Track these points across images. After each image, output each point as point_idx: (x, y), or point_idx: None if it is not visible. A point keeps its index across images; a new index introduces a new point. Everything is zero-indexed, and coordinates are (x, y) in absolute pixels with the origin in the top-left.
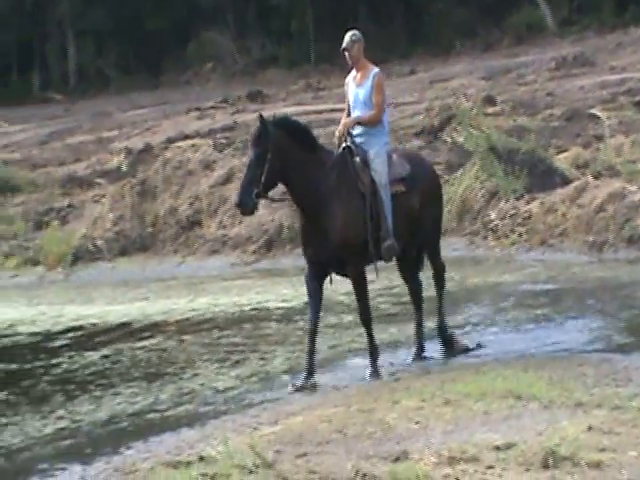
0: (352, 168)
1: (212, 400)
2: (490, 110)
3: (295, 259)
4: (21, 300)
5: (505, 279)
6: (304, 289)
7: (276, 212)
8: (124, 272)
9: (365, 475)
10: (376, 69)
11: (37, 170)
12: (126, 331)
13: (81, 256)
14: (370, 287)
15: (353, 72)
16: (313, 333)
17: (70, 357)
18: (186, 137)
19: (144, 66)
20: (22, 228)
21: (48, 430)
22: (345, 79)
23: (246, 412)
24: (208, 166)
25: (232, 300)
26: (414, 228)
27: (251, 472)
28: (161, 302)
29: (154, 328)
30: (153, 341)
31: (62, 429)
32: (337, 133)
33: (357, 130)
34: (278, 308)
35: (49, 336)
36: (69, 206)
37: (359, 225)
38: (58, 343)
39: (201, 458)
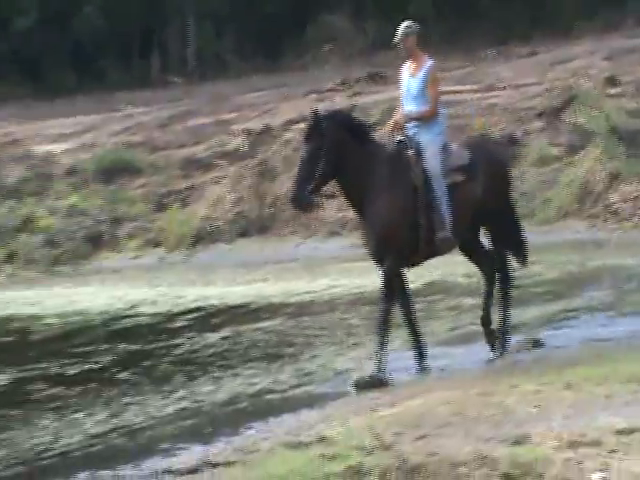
0: (405, 161)
1: (331, 381)
2: (612, 91)
3: None
4: (142, 281)
5: (627, 262)
6: (423, 270)
7: None
8: (243, 254)
9: (484, 457)
10: (430, 61)
11: (157, 152)
12: (245, 312)
13: (201, 238)
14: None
15: (408, 62)
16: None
17: (190, 338)
18: (305, 119)
19: (262, 49)
20: (143, 210)
21: (169, 410)
22: (402, 68)
23: (365, 394)
24: None
25: (352, 282)
26: (479, 217)
27: (370, 453)
28: (280, 284)
29: (273, 309)
30: (272, 322)
31: (183, 409)
32: (389, 127)
33: (411, 123)
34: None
35: (170, 317)
36: (189, 188)
37: (403, 219)
38: (179, 324)
39: (320, 439)
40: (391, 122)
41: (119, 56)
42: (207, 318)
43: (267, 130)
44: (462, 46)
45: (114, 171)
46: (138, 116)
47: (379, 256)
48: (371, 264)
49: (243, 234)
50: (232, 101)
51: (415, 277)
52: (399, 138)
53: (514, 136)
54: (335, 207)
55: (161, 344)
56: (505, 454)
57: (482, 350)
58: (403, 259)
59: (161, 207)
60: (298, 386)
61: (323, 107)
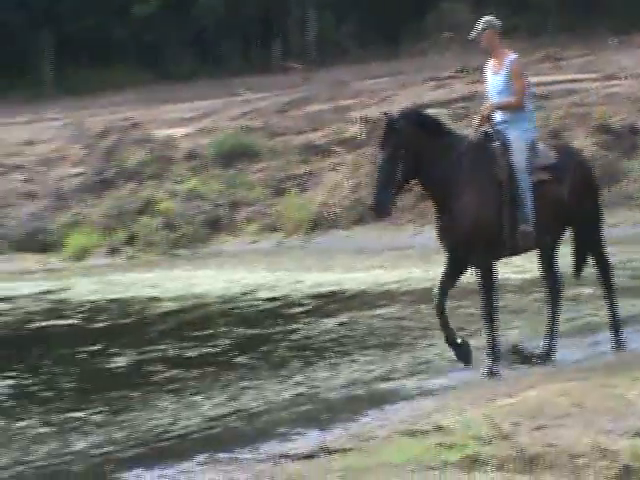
0: (489, 153)
1: (447, 371)
2: None
3: None
4: (260, 265)
5: None
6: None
7: None
8: (360, 240)
9: (604, 450)
10: (513, 56)
11: (276, 138)
12: (362, 299)
13: (319, 223)
14: (610, 260)
15: (491, 60)
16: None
17: (308, 323)
18: (425, 106)
19: (381, 37)
20: (261, 194)
21: (286, 395)
22: (485, 67)
23: (482, 383)
24: None
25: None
26: (563, 220)
27: (488, 443)
28: (397, 271)
29: (390, 297)
30: (389, 310)
31: (300, 394)
32: (480, 114)
33: (498, 117)
34: (514, 279)
35: (287, 302)
36: (307, 173)
37: (491, 212)
38: (296, 309)
39: (437, 428)
40: (478, 114)
41: (239, 43)
42: (325, 304)
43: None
44: (583, 35)
45: (233, 155)
46: (257, 101)
47: (466, 251)
48: None
49: (360, 221)
50: (351, 88)
51: (527, 268)
52: (485, 129)
53: (635, 126)
54: None
55: (279, 329)
56: (626, 447)
57: (601, 341)
58: (492, 253)
59: (279, 192)
60: (414, 374)
61: (441, 93)
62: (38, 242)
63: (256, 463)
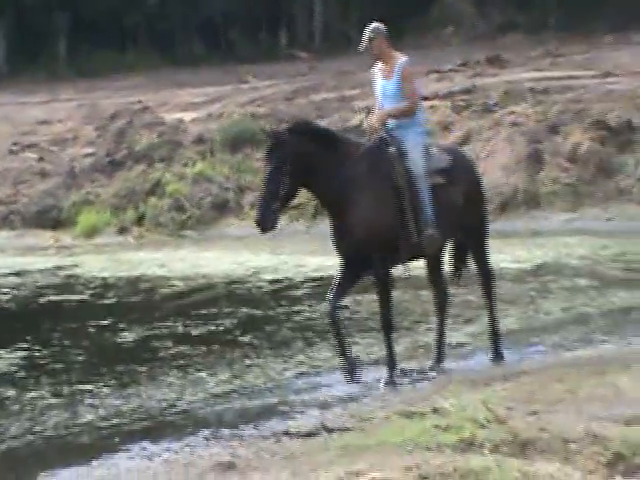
0: (386, 159)
1: (445, 355)
2: None
3: (528, 221)
4: (265, 249)
5: None
6: (537, 251)
7: (512, 175)
8: None
9: (596, 436)
10: (402, 59)
11: (283, 124)
12: (364, 283)
13: (320, 210)
14: (605, 252)
15: (379, 63)
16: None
17: (310, 306)
18: (425, 98)
19: (387, 29)
20: None
21: (288, 374)
22: (372, 70)
23: (477, 368)
24: (446, 127)
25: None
26: (458, 223)
27: (483, 426)
28: None
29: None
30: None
31: (301, 373)
32: (369, 126)
33: (391, 122)
34: (511, 268)
35: (290, 284)
36: None
37: (387, 219)
38: (299, 292)
39: (434, 410)
40: (369, 123)
41: (247, 30)
42: (327, 287)
43: None
44: (581, 32)
45: (240, 141)
46: (264, 89)
47: (362, 258)
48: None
49: None
50: (355, 78)
51: (525, 258)
52: (380, 135)
53: (631, 122)
54: None
55: (282, 310)
56: (616, 434)
57: (595, 330)
58: (389, 259)
59: None
60: (413, 358)
61: (443, 87)
62: (50, 219)
63: (259, 440)
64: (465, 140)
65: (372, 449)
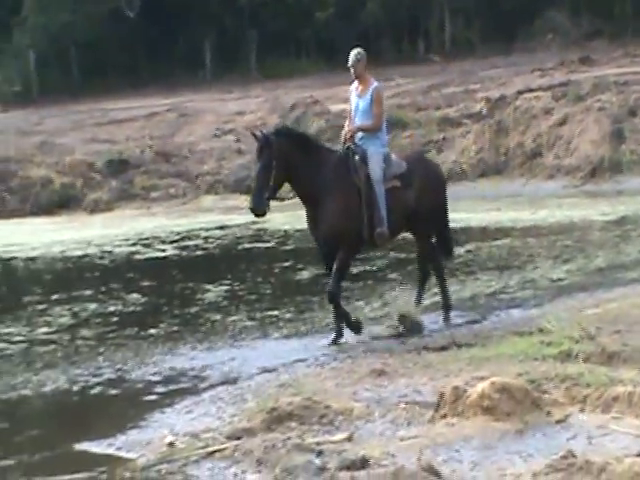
0: (351, 166)
1: (547, 287)
2: None
3: (613, 184)
4: None
5: None
6: (620, 207)
7: (599, 148)
8: (482, 189)
9: None
10: (375, 84)
11: (420, 112)
12: (483, 233)
13: (451, 176)
14: None
15: (355, 83)
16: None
17: None
18: (531, 90)
19: (500, 36)
20: None
21: (426, 303)
22: (350, 87)
23: (574, 296)
24: (547, 112)
25: (564, 213)
26: (411, 219)
27: (577, 342)
28: (510, 213)
29: (504, 232)
30: (504, 241)
31: (435, 303)
32: (343, 136)
33: (359, 135)
34: (599, 220)
35: None
36: (443, 139)
37: (351, 216)
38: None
39: (539, 330)
40: (345, 132)
41: (393, 40)
42: (455, 235)
43: (502, 98)
44: None
45: (389, 125)
46: (406, 85)
47: (330, 247)
48: (578, 200)
49: (483, 175)
50: (477, 75)
51: (610, 212)
52: (347, 145)
53: None
54: (552, 155)
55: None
56: None
57: None
58: (352, 250)
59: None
60: (523, 289)
61: (545, 81)
62: (245, 186)
63: (404, 352)
64: (562, 122)
65: (491, 360)
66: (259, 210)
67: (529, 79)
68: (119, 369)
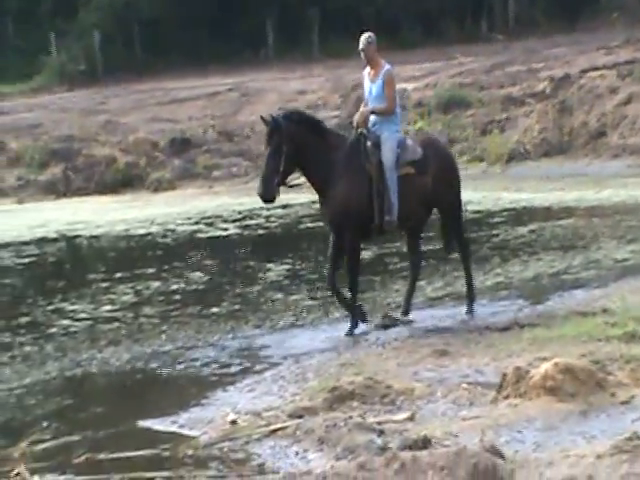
0: (363, 151)
1: (611, 267)
2: None
3: None
4: (469, 187)
5: None
6: None
7: None
8: (546, 169)
9: None
10: (387, 67)
11: (483, 91)
12: (547, 213)
13: (514, 156)
14: None
15: (367, 68)
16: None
17: (505, 230)
18: (596, 68)
19: (565, 15)
20: (471, 134)
21: (488, 283)
22: (363, 72)
23: (638, 277)
24: (612, 91)
25: (628, 193)
26: (428, 206)
27: None
28: (573, 193)
29: (568, 211)
30: (568, 221)
31: (498, 283)
32: (355, 120)
33: (372, 118)
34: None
35: (489, 214)
36: (506, 118)
37: (360, 202)
38: (496, 219)
39: (604, 310)
40: (357, 115)
41: (455, 19)
42: (518, 216)
43: (566, 77)
44: None
45: (450, 104)
46: (469, 64)
47: (338, 233)
48: None
49: (546, 154)
50: (540, 54)
51: None
52: (360, 130)
53: None
54: (617, 135)
55: (482, 233)
56: None
57: None
58: (359, 234)
59: (485, 132)
60: (586, 270)
61: (610, 59)
62: None
63: (466, 332)
64: (628, 101)
65: (554, 340)
66: (268, 196)
67: (594, 58)
68: (181, 347)
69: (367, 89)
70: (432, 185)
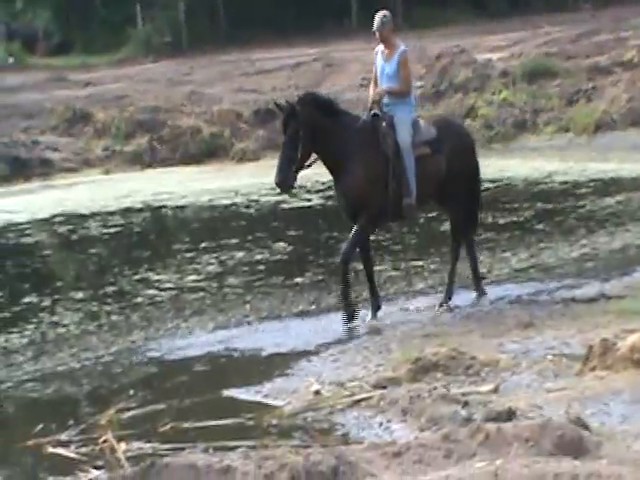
0: (378, 132)
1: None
2: None
3: None
4: (555, 157)
5: None
6: None
7: None
8: (634, 139)
9: None
10: (402, 47)
11: (569, 61)
12: (635, 183)
13: (601, 126)
14: None
15: (381, 46)
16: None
17: (592, 201)
18: None
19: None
20: (557, 104)
21: (574, 254)
22: (375, 50)
23: None
24: None
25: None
26: (442, 188)
27: None
28: None
29: None
30: None
31: (584, 254)
32: (370, 100)
33: (386, 99)
34: None
35: (576, 184)
36: (593, 88)
37: (377, 184)
38: (583, 190)
39: None
40: (372, 95)
41: None
42: (605, 186)
43: None
44: None
45: (536, 74)
46: (555, 33)
47: (353, 216)
48: None
49: (634, 124)
50: (628, 22)
51: None
52: (374, 112)
53: None
54: None
55: (568, 204)
56: None
57: None
58: (375, 220)
59: (571, 102)
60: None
61: None
62: None
63: (551, 304)
64: None
65: None
66: (285, 186)
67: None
68: (265, 317)
69: (379, 68)
70: (447, 164)
